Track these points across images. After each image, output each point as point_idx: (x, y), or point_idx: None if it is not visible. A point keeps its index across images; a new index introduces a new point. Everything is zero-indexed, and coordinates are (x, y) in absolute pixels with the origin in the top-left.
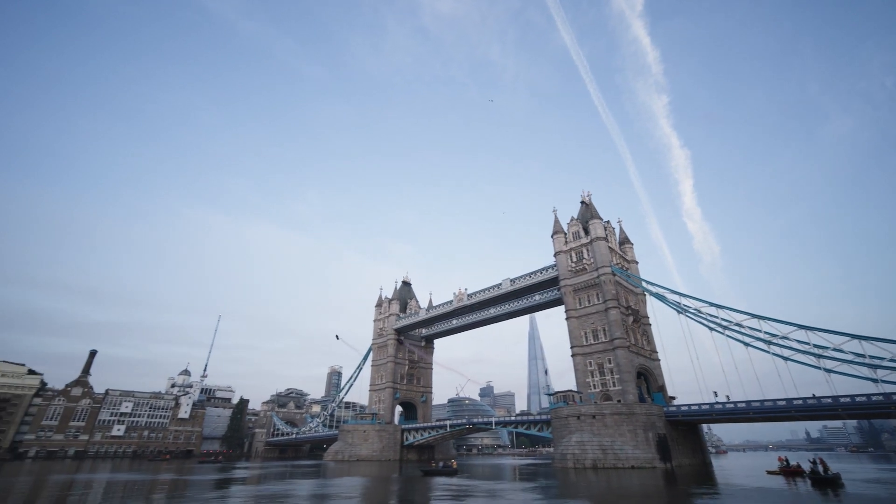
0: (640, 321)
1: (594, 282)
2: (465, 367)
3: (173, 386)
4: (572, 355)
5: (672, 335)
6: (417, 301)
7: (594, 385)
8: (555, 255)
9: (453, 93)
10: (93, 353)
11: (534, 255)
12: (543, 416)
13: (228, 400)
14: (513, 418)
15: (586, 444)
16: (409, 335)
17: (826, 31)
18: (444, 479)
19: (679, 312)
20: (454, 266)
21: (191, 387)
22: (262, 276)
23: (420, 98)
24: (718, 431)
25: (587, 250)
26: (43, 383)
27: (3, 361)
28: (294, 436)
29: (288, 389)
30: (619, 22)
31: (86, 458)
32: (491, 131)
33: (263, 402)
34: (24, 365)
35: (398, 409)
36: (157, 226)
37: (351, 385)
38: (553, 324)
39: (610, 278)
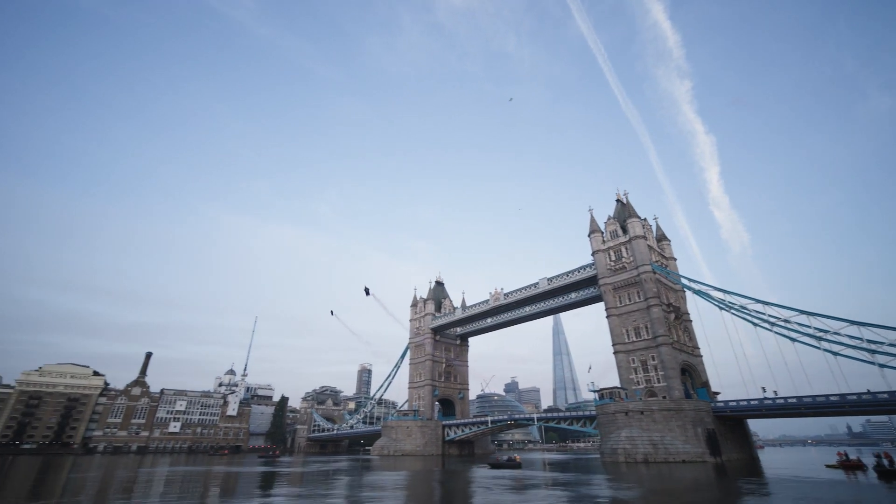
0: (681, 318)
1: (634, 280)
2: (488, 362)
3: (220, 385)
4: (615, 353)
5: (710, 329)
6: (451, 300)
7: (638, 381)
8: (592, 254)
9: (469, 88)
10: (148, 355)
11: (555, 250)
12: (588, 412)
13: (269, 398)
14: (554, 414)
15: (636, 440)
16: (445, 333)
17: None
18: (510, 472)
19: (722, 310)
20: (476, 263)
21: (236, 385)
22: (284, 275)
23: (436, 95)
24: (754, 426)
25: (626, 248)
26: (106, 384)
27: (71, 364)
28: (335, 432)
29: (323, 387)
30: (638, 6)
31: (147, 452)
32: (507, 126)
33: (302, 400)
34: (88, 367)
35: (436, 405)
36: (173, 226)
37: (390, 383)
38: (579, 319)
39: (651, 276)
